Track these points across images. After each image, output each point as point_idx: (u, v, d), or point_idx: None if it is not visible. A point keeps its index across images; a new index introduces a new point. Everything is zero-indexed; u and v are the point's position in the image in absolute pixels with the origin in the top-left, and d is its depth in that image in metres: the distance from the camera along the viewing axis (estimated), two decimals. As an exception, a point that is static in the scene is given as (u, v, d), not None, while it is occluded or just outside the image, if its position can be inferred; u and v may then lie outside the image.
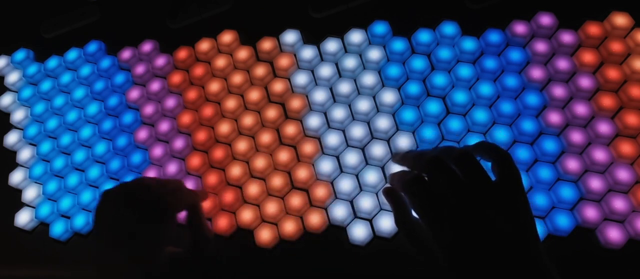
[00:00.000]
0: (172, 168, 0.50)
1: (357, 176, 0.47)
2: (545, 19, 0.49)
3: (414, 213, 0.42)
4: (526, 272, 0.33)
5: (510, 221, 0.35)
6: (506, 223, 0.35)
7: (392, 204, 0.42)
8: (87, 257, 0.50)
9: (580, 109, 0.45)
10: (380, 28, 0.52)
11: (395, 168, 0.46)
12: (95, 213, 0.42)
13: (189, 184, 0.49)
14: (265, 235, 0.46)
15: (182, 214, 0.46)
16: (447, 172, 0.37)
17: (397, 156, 0.45)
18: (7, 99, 0.59)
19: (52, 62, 0.58)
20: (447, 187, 0.36)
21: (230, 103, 0.52)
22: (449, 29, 0.50)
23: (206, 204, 0.48)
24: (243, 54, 0.53)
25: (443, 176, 0.37)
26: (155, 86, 0.54)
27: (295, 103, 0.50)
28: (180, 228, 0.46)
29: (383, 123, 0.48)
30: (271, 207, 0.47)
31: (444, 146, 0.40)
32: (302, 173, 0.48)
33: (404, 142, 0.47)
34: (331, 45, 0.52)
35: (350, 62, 0.51)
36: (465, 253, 0.34)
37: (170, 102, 0.53)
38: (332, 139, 0.48)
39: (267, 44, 0.53)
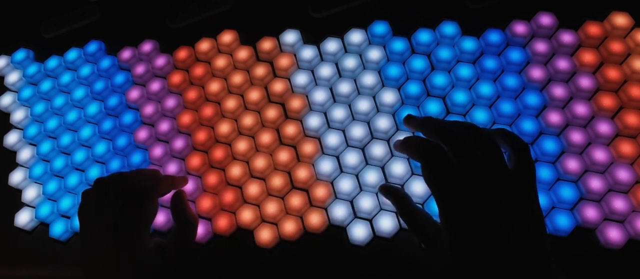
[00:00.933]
0: (172, 168, 0.50)
1: (357, 176, 0.47)
2: (545, 19, 0.49)
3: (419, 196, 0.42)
4: (527, 266, 0.33)
5: (521, 213, 0.35)
6: (516, 213, 0.34)
7: (392, 198, 0.42)
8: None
9: (580, 109, 0.45)
10: (380, 28, 0.52)
11: (394, 165, 0.46)
12: (78, 212, 0.44)
13: (189, 184, 0.49)
14: (265, 235, 0.46)
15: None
16: (468, 151, 0.36)
17: (417, 120, 0.43)
18: (7, 99, 0.59)
19: (52, 62, 0.58)
20: (465, 165, 0.36)
21: (230, 103, 0.52)
22: (449, 29, 0.50)
23: (206, 204, 0.48)
24: (243, 54, 0.53)
25: (463, 154, 0.36)
26: (155, 86, 0.54)
27: (295, 103, 0.50)
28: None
29: (383, 123, 0.48)
30: (271, 208, 0.47)
31: (467, 123, 0.39)
32: (302, 173, 0.48)
33: (404, 142, 0.47)
34: (331, 45, 0.52)
35: (350, 62, 0.51)
36: (468, 234, 0.34)
37: (170, 102, 0.53)
38: (332, 139, 0.48)
39: (267, 44, 0.53)
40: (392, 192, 0.43)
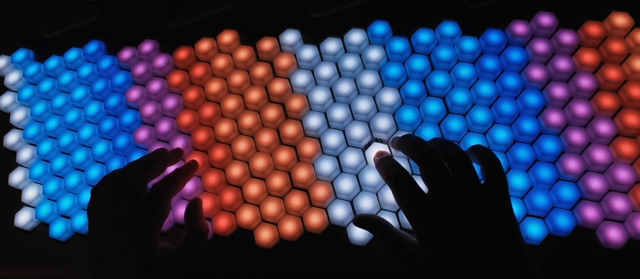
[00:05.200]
0: (172, 169, 0.50)
1: (357, 176, 0.47)
2: (545, 19, 0.49)
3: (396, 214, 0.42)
4: (506, 275, 0.34)
5: (494, 225, 0.35)
6: (489, 227, 0.35)
7: (370, 229, 0.43)
8: (87, 257, 0.50)
9: (580, 109, 0.45)
10: (380, 28, 0.52)
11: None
12: (90, 208, 0.44)
13: (190, 185, 0.49)
14: (265, 235, 0.46)
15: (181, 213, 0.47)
16: (439, 170, 0.37)
17: (395, 141, 0.44)
18: (7, 99, 0.59)
19: (52, 62, 0.58)
20: (436, 185, 0.37)
21: (230, 103, 0.52)
22: (449, 29, 0.50)
23: (206, 204, 0.48)
24: (243, 54, 0.53)
25: (434, 173, 0.37)
26: (155, 86, 0.54)
27: (295, 103, 0.50)
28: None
29: (383, 123, 0.48)
30: (271, 208, 0.47)
31: (442, 140, 0.40)
32: (302, 173, 0.48)
33: (404, 142, 0.47)
34: (331, 45, 0.52)
35: (350, 62, 0.51)
36: (445, 252, 0.35)
37: (170, 102, 0.53)
38: (332, 139, 0.48)
39: (267, 44, 0.53)
40: (369, 222, 0.42)
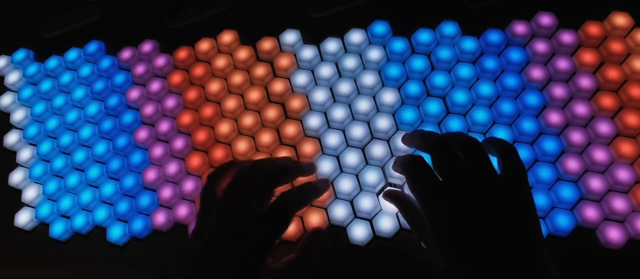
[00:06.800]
0: (172, 168, 0.50)
1: (357, 176, 0.47)
2: (545, 19, 0.49)
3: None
4: (523, 267, 0.33)
5: (512, 214, 0.34)
6: (507, 215, 0.34)
7: (394, 202, 0.43)
8: (87, 257, 0.50)
9: (580, 109, 0.45)
10: (380, 28, 0.52)
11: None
12: (204, 195, 0.41)
13: (189, 184, 0.49)
14: (265, 235, 0.46)
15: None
16: (450, 156, 0.37)
17: (406, 137, 0.45)
18: (7, 99, 0.59)
19: (52, 62, 0.58)
20: (449, 170, 0.36)
21: (230, 103, 0.52)
22: (449, 29, 0.50)
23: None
24: (243, 54, 0.53)
25: (445, 159, 0.37)
26: (155, 86, 0.54)
27: (295, 103, 0.50)
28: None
29: (383, 123, 0.48)
30: (271, 208, 0.47)
31: (453, 131, 0.40)
32: (302, 173, 0.48)
33: (404, 142, 0.47)
34: (331, 45, 0.52)
35: (350, 62, 0.51)
36: (459, 240, 0.34)
37: (170, 102, 0.53)
38: (332, 139, 0.48)
39: (267, 44, 0.53)
40: (394, 196, 0.43)
